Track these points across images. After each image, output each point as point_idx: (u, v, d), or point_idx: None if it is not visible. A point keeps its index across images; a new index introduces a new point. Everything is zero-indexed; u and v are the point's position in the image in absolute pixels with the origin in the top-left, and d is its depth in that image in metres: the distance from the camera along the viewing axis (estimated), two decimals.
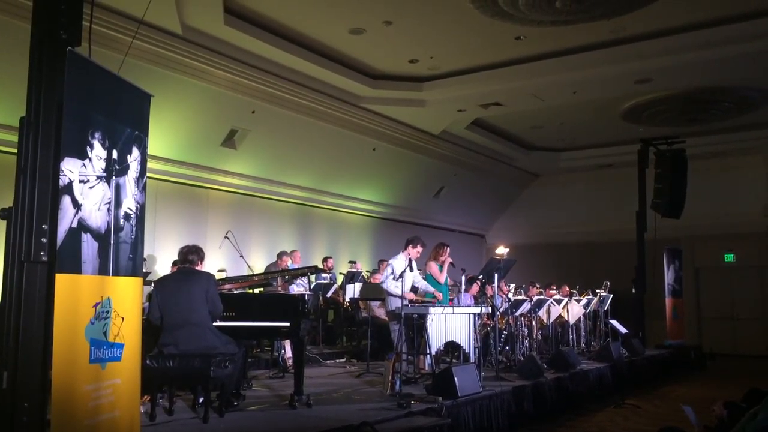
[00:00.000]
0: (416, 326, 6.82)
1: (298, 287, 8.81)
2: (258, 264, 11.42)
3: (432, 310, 6.82)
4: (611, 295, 11.70)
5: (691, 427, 3.55)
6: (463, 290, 8.28)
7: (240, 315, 5.48)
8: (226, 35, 9.14)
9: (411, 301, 7.37)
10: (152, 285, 7.44)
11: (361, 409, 5.54)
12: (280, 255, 10.39)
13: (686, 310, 14.76)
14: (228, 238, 8.41)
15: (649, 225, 13.21)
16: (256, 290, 8.09)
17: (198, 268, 5.43)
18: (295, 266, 10.13)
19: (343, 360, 9.64)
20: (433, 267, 7.82)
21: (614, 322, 11.69)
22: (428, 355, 6.97)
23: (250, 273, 7.84)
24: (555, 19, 9.02)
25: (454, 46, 10.08)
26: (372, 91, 11.51)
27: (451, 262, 7.85)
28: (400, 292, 6.73)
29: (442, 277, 7.82)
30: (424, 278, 7.80)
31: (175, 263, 9.69)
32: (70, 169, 3.41)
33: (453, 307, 7.33)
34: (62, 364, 3.28)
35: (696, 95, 12.04)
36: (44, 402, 3.28)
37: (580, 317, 11.00)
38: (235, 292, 6.32)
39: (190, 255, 5.42)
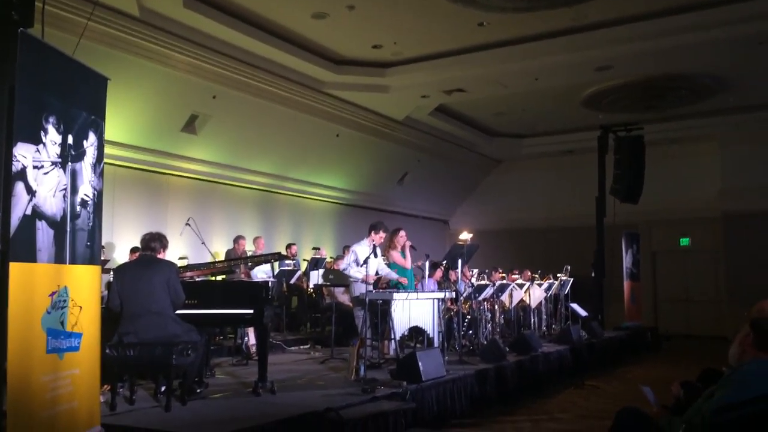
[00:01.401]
0: (380, 312, 6.84)
1: (266, 275, 8.76)
2: (220, 251, 11.30)
3: (396, 295, 6.84)
4: (571, 279, 11.90)
5: (650, 406, 3.64)
6: (426, 276, 8.31)
7: (203, 303, 5.42)
8: (185, 18, 8.96)
9: (375, 285, 7.38)
10: (111, 273, 7.31)
11: (325, 395, 5.53)
12: (237, 239, 10.32)
13: (643, 293, 15.11)
14: (189, 225, 8.27)
15: (608, 210, 13.45)
16: (219, 278, 8.01)
17: (160, 256, 5.34)
18: (258, 253, 10.06)
19: (307, 346, 9.62)
20: (395, 255, 7.80)
21: (574, 306, 11.90)
22: (392, 341, 7.00)
23: (213, 260, 7.74)
24: (517, 6, 9.07)
25: (418, 32, 10.06)
26: (335, 77, 11.43)
27: (411, 246, 7.85)
28: (361, 277, 6.73)
29: (408, 262, 7.82)
30: (387, 265, 7.81)
31: (134, 250, 9.52)
32: (23, 154, 3.30)
33: (417, 292, 7.37)
34: (18, 354, 3.19)
35: (654, 82, 12.26)
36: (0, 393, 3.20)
37: (541, 301, 11.17)
38: (197, 279, 6.23)
39: (153, 242, 5.32)
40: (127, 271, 5.27)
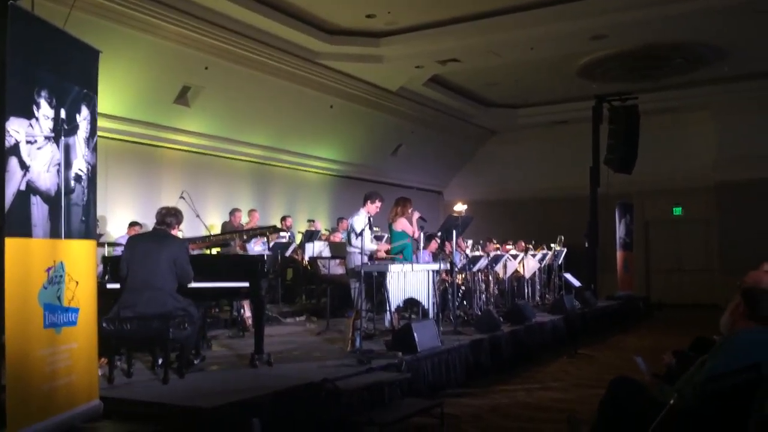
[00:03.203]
0: (376, 284, 6.87)
1: (262, 247, 8.77)
2: (215, 224, 11.29)
3: (391, 267, 6.87)
4: (565, 250, 11.96)
5: (642, 375, 3.69)
6: (421, 247, 8.33)
7: (199, 276, 5.42)
8: None
9: (374, 256, 7.40)
10: (106, 246, 7.31)
11: (322, 366, 5.57)
12: (232, 212, 10.32)
13: (636, 263, 15.22)
14: (183, 198, 8.21)
15: (602, 180, 13.48)
16: (214, 251, 8.02)
17: (174, 231, 5.35)
18: (253, 226, 10.06)
19: (303, 318, 9.67)
20: (403, 222, 7.73)
21: (568, 276, 11.98)
22: (388, 312, 7.04)
23: (208, 234, 7.74)
24: None
25: (412, 1, 9.93)
26: (328, 47, 11.31)
27: (420, 216, 7.82)
28: (363, 248, 6.73)
29: (416, 231, 7.79)
30: (388, 236, 7.80)
31: (132, 224, 9.51)
32: (16, 129, 3.27)
33: (412, 264, 7.39)
34: (15, 329, 3.20)
35: (649, 52, 12.19)
36: None
37: (535, 272, 11.24)
38: (192, 253, 6.23)
39: (168, 217, 5.33)
40: (139, 243, 5.30)
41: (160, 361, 5.15)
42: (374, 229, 7.79)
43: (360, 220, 7.21)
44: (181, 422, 4.06)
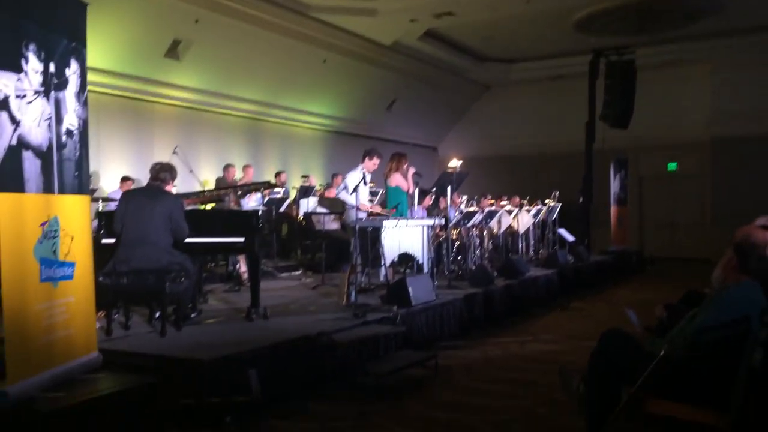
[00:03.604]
0: (371, 239, 6.90)
1: (256, 203, 8.76)
2: (209, 180, 11.26)
3: (386, 223, 6.88)
4: (560, 205, 12.00)
5: (633, 328, 3.74)
6: (416, 203, 8.34)
7: (194, 231, 5.43)
8: None
9: (369, 213, 7.41)
10: (100, 202, 7.29)
11: (317, 320, 5.63)
12: (226, 167, 10.29)
13: (630, 218, 15.29)
14: (176, 154, 8.23)
15: (598, 136, 13.44)
16: (208, 206, 8.02)
17: (168, 187, 5.34)
18: (248, 181, 10.03)
19: (299, 273, 9.74)
20: (398, 178, 7.71)
21: (562, 231, 12.05)
22: (383, 267, 7.08)
23: (202, 189, 7.72)
24: None
25: None
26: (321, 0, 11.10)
27: (416, 172, 7.80)
28: (357, 203, 6.74)
29: (412, 186, 7.76)
30: (383, 191, 7.79)
31: (124, 179, 9.48)
32: (5, 83, 3.22)
33: (407, 219, 7.41)
34: (12, 284, 3.21)
35: (647, 4, 12.01)
36: None
37: (529, 227, 11.30)
38: (187, 208, 6.22)
39: (162, 173, 5.30)
40: (133, 198, 5.29)
41: (157, 314, 5.20)
42: (369, 184, 7.76)
43: (354, 177, 7.20)
44: (179, 374, 4.12)
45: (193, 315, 5.59)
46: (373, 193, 8.29)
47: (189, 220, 5.35)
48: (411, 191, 7.80)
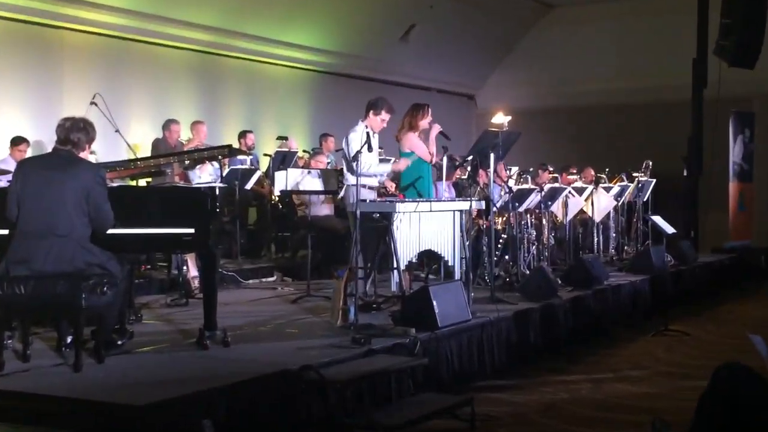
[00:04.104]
0: (379, 230, 6.89)
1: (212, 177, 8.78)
2: (143, 143, 11.27)
3: (400, 206, 6.86)
4: (653, 181, 11.95)
5: (760, 360, 3.74)
6: (444, 177, 8.33)
7: (122, 219, 5.43)
8: None
9: (383, 192, 7.44)
10: None
11: (300, 348, 5.63)
12: (167, 125, 10.28)
13: (757, 200, 15.20)
14: (96, 105, 8.22)
15: (710, 79, 13.33)
16: (142, 182, 8.03)
17: (84, 154, 5.32)
18: (199, 145, 10.04)
19: (273, 279, 9.75)
20: (413, 139, 7.69)
21: (656, 219, 12.00)
22: (395, 271, 7.09)
23: (133, 157, 7.74)
24: None
25: None
26: None
27: (441, 132, 7.77)
28: (358, 178, 6.73)
29: (433, 150, 7.73)
30: (396, 161, 7.79)
31: (16, 141, 9.50)
32: None
33: (430, 201, 7.40)
34: None
35: None
36: None
37: (609, 212, 11.26)
38: (112, 185, 6.23)
39: (75, 133, 5.25)
40: (32, 170, 5.24)
41: (69, 339, 5.22)
42: (377, 150, 7.74)
43: (355, 139, 7.17)
44: (100, 425, 4.14)
45: (120, 341, 5.61)
46: (383, 162, 8.25)
47: (114, 203, 5.36)
48: (434, 161, 7.78)
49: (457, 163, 8.83)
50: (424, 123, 7.71)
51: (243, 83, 13.86)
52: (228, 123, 13.24)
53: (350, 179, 7.38)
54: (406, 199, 7.40)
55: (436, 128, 7.73)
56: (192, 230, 5.60)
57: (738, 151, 14.42)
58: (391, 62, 16.15)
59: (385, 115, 7.44)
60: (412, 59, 16.46)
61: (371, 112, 7.43)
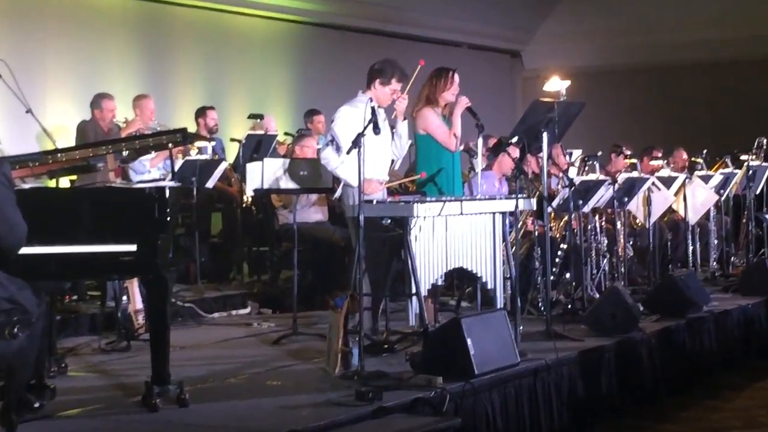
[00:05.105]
0: (390, 242, 6.89)
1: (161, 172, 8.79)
2: (66, 126, 11.30)
3: (419, 208, 6.84)
4: None
5: None
6: (478, 167, 8.34)
7: (39, 234, 5.45)
8: None
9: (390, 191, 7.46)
10: None
11: (284, 407, 5.65)
12: (98, 100, 10.25)
13: None
14: None
15: None
16: (64, 181, 8.06)
17: None
18: (143, 128, 10.07)
19: (247, 311, 9.77)
20: (430, 118, 7.76)
21: None
22: (414, 297, 7.08)
23: (51, 148, 7.77)
24: None
25: None
26: None
27: (469, 107, 7.79)
28: (360, 172, 6.73)
29: (455, 134, 7.78)
30: (412, 144, 7.82)
31: None
32: None
33: (460, 201, 7.39)
34: None
35: None
36: None
37: (708, 210, 11.22)
38: (23, 186, 6.26)
39: None
40: None
41: None
42: (388, 132, 7.74)
43: (352, 118, 7.17)
44: None
45: (38, 403, 5.62)
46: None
47: (27, 211, 5.37)
48: (455, 147, 7.77)
49: (505, 143, 8.83)
50: (448, 95, 7.72)
51: (202, 42, 13.93)
52: (182, 97, 13.31)
53: (337, 172, 7.43)
54: (428, 198, 7.38)
55: (463, 102, 7.72)
56: (133, 247, 5.62)
57: None
58: (404, 9, 16.17)
59: (395, 84, 7.41)
60: (435, 3, 16.49)
61: (377, 80, 7.41)
